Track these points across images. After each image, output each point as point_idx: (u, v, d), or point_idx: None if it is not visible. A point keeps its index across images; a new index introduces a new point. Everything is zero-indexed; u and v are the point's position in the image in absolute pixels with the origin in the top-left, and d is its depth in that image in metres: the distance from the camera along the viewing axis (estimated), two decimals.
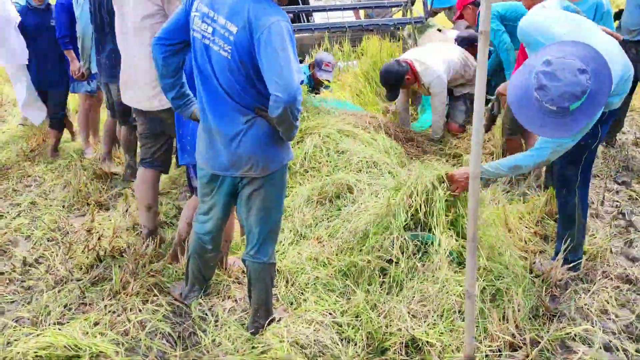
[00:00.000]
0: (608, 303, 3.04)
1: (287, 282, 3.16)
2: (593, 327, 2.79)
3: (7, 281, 3.52)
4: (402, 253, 3.00)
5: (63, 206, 4.66)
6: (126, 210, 4.37)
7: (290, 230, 3.55)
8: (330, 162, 4.11)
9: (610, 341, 2.74)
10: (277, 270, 3.14)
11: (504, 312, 2.80)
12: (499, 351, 2.56)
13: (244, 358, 2.59)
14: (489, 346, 2.57)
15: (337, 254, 3.25)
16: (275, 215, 2.74)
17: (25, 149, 5.98)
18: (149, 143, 3.70)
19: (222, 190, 2.71)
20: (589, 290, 3.12)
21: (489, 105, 4.64)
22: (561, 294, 3.13)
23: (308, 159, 4.14)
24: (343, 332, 2.76)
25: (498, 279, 2.97)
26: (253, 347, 2.68)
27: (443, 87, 5.14)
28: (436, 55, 5.30)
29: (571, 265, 3.22)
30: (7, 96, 8.27)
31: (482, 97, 1.90)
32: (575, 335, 2.76)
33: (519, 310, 2.78)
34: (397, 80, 5.19)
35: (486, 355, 2.53)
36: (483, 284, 2.93)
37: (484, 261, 3.08)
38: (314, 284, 3.07)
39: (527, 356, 2.50)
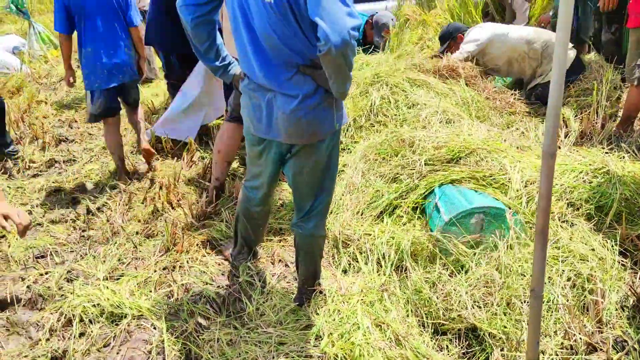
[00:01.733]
0: None
1: (337, 249, 2.93)
2: None
3: (71, 229, 3.56)
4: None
5: (132, 152, 4.67)
6: (191, 159, 4.30)
7: (343, 193, 3.28)
8: (398, 115, 3.73)
9: None
10: (327, 236, 2.91)
11: (584, 303, 2.42)
12: (574, 352, 2.21)
13: (285, 331, 2.42)
14: (561, 345, 2.22)
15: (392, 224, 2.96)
16: (327, 184, 2.47)
17: None
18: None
19: (270, 156, 2.45)
20: None
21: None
22: None
23: (375, 111, 3.79)
24: (396, 310, 2.51)
25: (581, 262, 2.56)
26: (297, 320, 2.51)
27: (472, 42, 4.85)
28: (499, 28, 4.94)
29: None
30: None
31: (564, 61, 1.49)
32: None
33: (602, 302, 2.38)
34: (446, 36, 5.20)
35: (556, 354, 2.19)
36: (562, 267, 2.55)
37: (566, 240, 2.68)
38: (367, 253, 2.81)
39: None
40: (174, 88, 4.75)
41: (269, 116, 2.28)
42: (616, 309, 2.45)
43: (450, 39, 5.16)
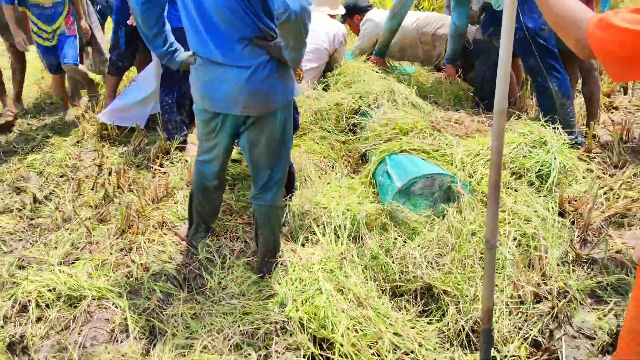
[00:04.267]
0: None
1: (294, 224, 2.99)
2: (628, 275, 2.56)
3: (18, 218, 3.45)
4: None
5: (77, 141, 4.55)
6: (138, 145, 4.23)
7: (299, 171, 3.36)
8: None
9: None
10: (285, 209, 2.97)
11: (530, 259, 2.59)
12: (521, 302, 2.37)
13: (248, 302, 2.47)
14: (510, 296, 2.38)
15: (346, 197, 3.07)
16: (283, 155, 2.55)
17: (43, 84, 5.87)
18: None
19: (225, 129, 2.50)
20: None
21: None
22: (594, 239, 2.89)
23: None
24: (356, 276, 2.60)
25: (525, 223, 2.74)
26: (260, 291, 2.56)
27: (364, 37, 5.18)
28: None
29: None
30: None
31: (511, 24, 1.61)
32: (607, 284, 2.54)
33: (546, 257, 2.56)
34: (347, 9, 5.30)
35: (506, 305, 2.35)
36: (508, 228, 2.71)
37: (511, 204, 2.85)
38: (324, 225, 2.89)
39: (553, 308, 2.30)
40: (113, 65, 4.64)
41: (223, 90, 2.33)
42: (557, 264, 2.64)
43: (348, 15, 5.35)
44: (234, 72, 2.30)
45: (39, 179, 3.95)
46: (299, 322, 2.27)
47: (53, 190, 3.74)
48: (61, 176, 3.92)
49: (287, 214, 3.06)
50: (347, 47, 5.01)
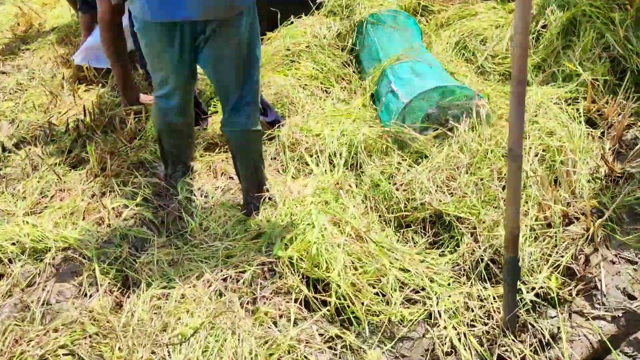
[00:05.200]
0: None
1: (285, 154, 2.64)
2: None
3: None
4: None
5: (50, 92, 4.18)
6: (114, 86, 3.86)
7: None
8: None
9: None
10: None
11: (556, 176, 2.23)
12: (549, 225, 2.02)
13: (233, 243, 2.15)
14: (536, 219, 2.03)
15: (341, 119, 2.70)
16: (253, 70, 2.17)
17: (15, 30, 5.45)
18: None
19: (182, 48, 2.07)
20: None
21: None
22: (628, 151, 2.50)
23: None
24: (355, 208, 2.26)
25: (548, 136, 2.36)
26: (246, 230, 2.24)
27: None
28: None
29: None
30: None
31: None
32: None
33: (574, 172, 2.20)
34: None
35: (531, 229, 2.00)
36: (529, 143, 2.34)
37: (529, 115, 2.47)
38: (318, 154, 2.54)
39: (588, 229, 1.96)
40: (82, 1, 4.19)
41: None
42: (588, 181, 2.28)
43: None
44: None
45: (10, 127, 3.62)
46: (289, 261, 1.95)
47: (24, 137, 3.41)
48: (33, 122, 3.58)
49: (276, 145, 2.73)
50: None
